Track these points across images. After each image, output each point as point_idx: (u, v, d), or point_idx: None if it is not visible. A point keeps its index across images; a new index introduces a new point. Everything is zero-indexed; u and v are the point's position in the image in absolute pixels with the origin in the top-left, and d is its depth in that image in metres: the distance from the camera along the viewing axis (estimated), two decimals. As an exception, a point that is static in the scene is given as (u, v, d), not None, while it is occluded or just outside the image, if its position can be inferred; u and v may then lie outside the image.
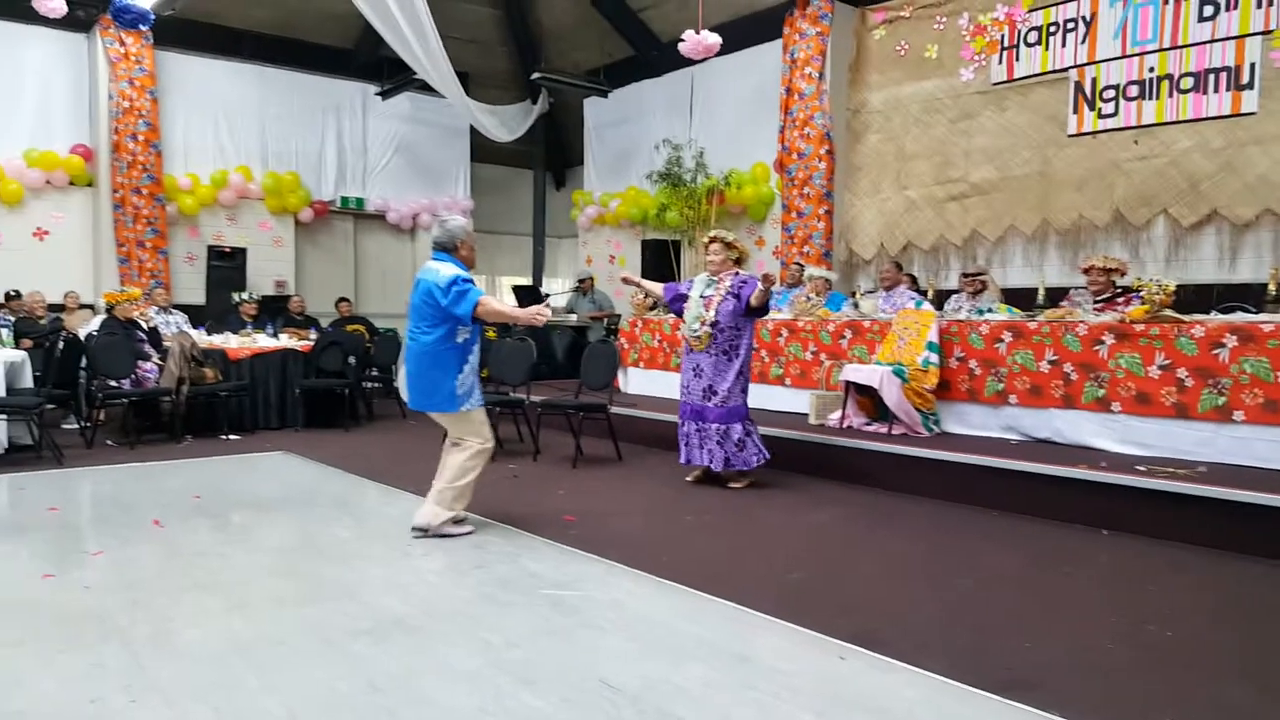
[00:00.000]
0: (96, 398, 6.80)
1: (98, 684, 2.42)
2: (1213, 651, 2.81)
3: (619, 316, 9.82)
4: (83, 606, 3.07)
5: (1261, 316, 4.78)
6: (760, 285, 4.99)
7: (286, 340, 8.21)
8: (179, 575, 3.46)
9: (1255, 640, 2.92)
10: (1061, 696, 2.41)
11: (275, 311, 9.79)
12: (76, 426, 7.09)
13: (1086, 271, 5.76)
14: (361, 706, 2.30)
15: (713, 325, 5.13)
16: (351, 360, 8.13)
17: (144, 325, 7.63)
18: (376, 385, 9.30)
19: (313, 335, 8.68)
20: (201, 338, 7.79)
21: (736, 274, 5.20)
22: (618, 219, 11.66)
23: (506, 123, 11.65)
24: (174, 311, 8.64)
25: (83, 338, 7.04)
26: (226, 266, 10.20)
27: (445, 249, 4.14)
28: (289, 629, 2.86)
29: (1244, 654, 2.79)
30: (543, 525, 4.29)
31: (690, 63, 9.07)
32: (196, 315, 9.24)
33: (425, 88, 10.61)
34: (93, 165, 9.74)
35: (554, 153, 13.87)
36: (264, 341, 8.03)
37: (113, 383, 6.93)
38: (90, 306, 9.30)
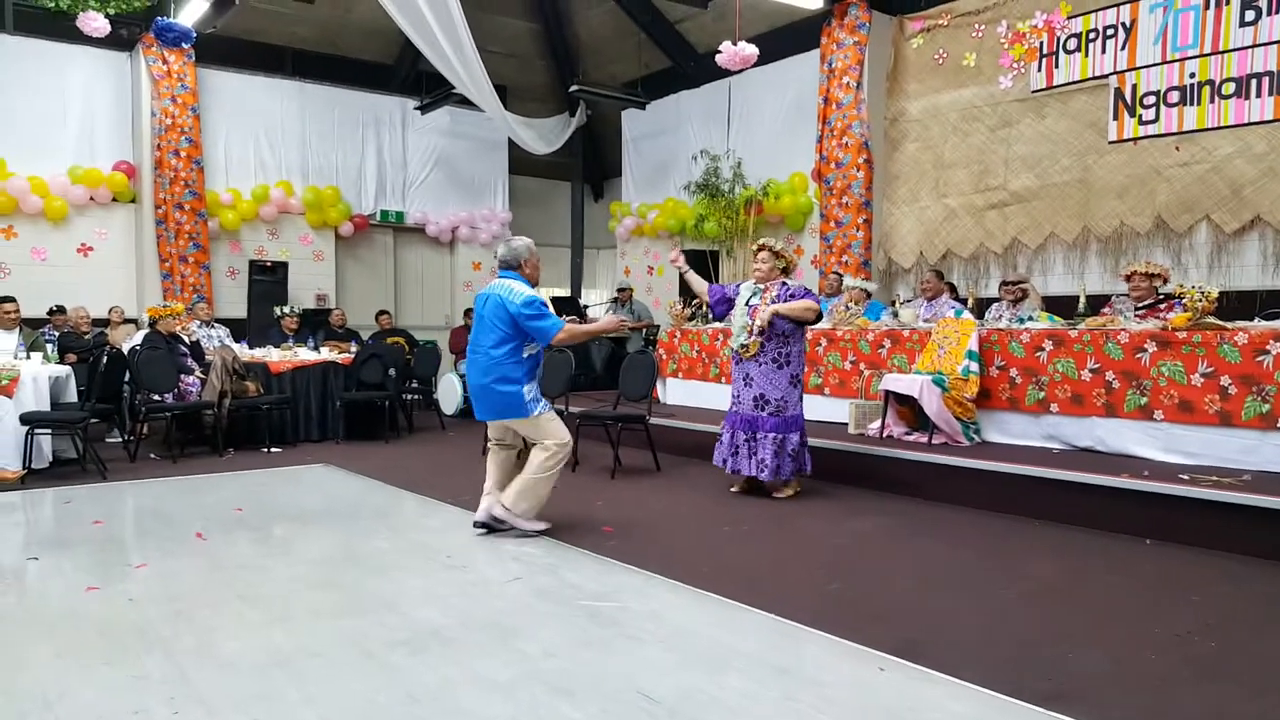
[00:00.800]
0: (140, 411, 6.95)
1: (141, 695, 2.46)
2: (1258, 663, 2.75)
3: (657, 327, 9.84)
4: (126, 619, 3.13)
5: (1309, 323, 4.68)
6: (788, 286, 4.98)
7: (327, 353, 8.34)
8: (221, 587, 3.53)
9: (1308, 656, 2.84)
10: (1104, 709, 2.38)
11: (316, 325, 9.96)
12: (120, 440, 7.25)
13: (1129, 278, 5.67)
14: (399, 717, 2.33)
15: (760, 334, 5.11)
16: (392, 373, 8.23)
17: (186, 340, 7.79)
18: (416, 397, 9.40)
19: (353, 348, 8.80)
20: (243, 351, 7.95)
21: (784, 284, 5.18)
22: (656, 230, 11.70)
23: (544, 135, 11.75)
24: (216, 326, 8.83)
25: (126, 352, 7.20)
26: (268, 280, 10.40)
27: (511, 266, 4.38)
28: (328, 640, 2.90)
29: (1294, 669, 2.72)
30: (581, 536, 4.31)
31: (727, 73, 9.10)
32: (238, 329, 9.44)
33: (464, 102, 10.75)
34: (135, 182, 9.98)
35: (592, 165, 13.96)
36: (305, 355, 8.16)
37: (156, 397, 7.07)
38: (134, 321, 9.52)
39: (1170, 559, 3.96)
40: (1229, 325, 4.77)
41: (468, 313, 11.23)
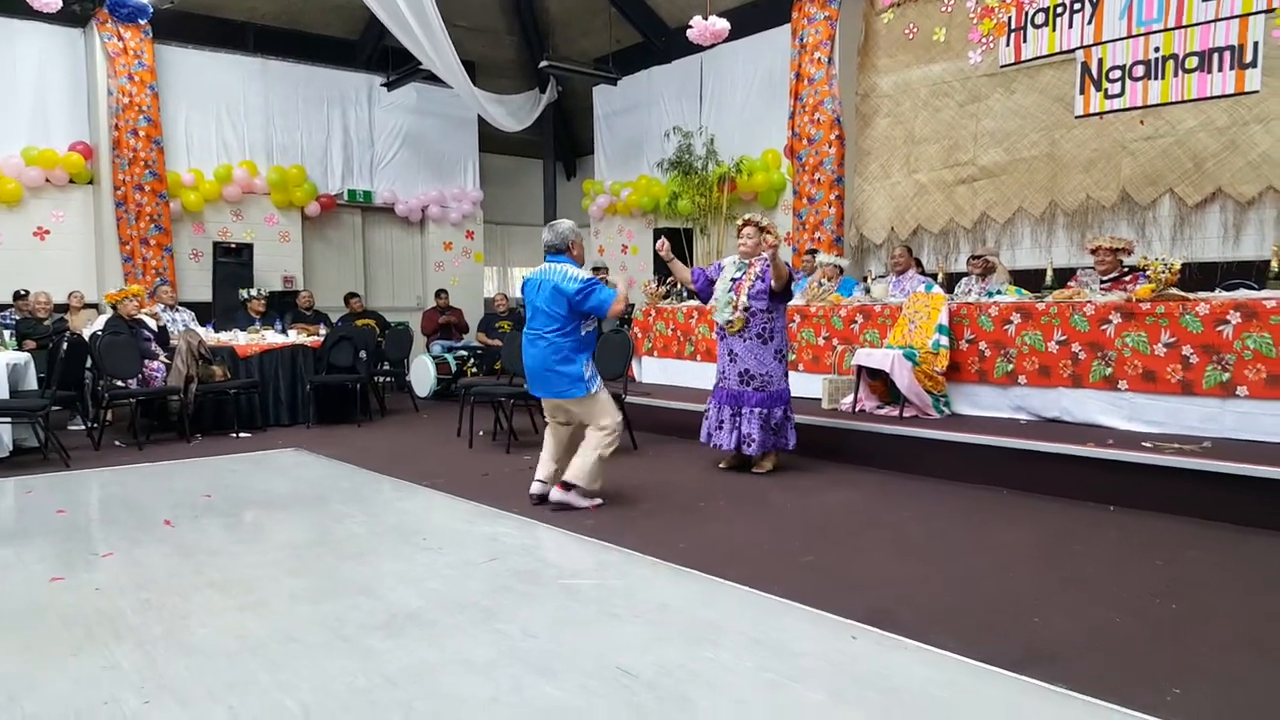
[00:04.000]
0: (103, 398, 6.79)
1: (111, 685, 2.43)
2: (1220, 623, 2.83)
3: (632, 306, 9.84)
4: (94, 608, 3.08)
5: (1264, 293, 4.82)
6: (767, 259, 4.99)
7: (296, 336, 8.24)
8: (191, 574, 3.48)
9: (1261, 611, 2.94)
10: (1072, 671, 2.44)
11: (284, 307, 9.84)
12: (83, 428, 7.13)
13: (1094, 252, 5.76)
14: (377, 701, 2.32)
15: (745, 310, 5.13)
16: (362, 355, 8.16)
17: (150, 324, 7.66)
18: (388, 380, 9.34)
19: (322, 330, 8.71)
20: (209, 335, 7.83)
21: (766, 259, 5.19)
22: (629, 208, 11.65)
23: (515, 112, 11.64)
24: (180, 309, 8.68)
25: (87, 338, 7.06)
26: (233, 263, 10.24)
27: (559, 250, 4.47)
28: (303, 625, 2.89)
29: (1250, 625, 2.81)
30: (559, 515, 4.31)
31: (699, 49, 9.06)
32: (204, 312, 9.30)
33: (432, 78, 10.62)
34: (93, 163, 9.76)
35: (564, 142, 13.86)
36: (273, 338, 8.06)
37: (119, 383, 6.94)
38: (95, 306, 9.34)
39: (1134, 525, 4.06)
40: (1191, 296, 4.88)
41: (439, 294, 11.17)
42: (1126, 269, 5.67)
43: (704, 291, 5.49)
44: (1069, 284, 5.85)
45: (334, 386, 7.95)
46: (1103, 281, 5.68)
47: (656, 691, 2.33)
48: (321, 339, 8.19)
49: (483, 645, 2.68)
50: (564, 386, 4.40)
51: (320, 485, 5.32)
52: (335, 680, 2.45)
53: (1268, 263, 5.28)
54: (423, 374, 9.73)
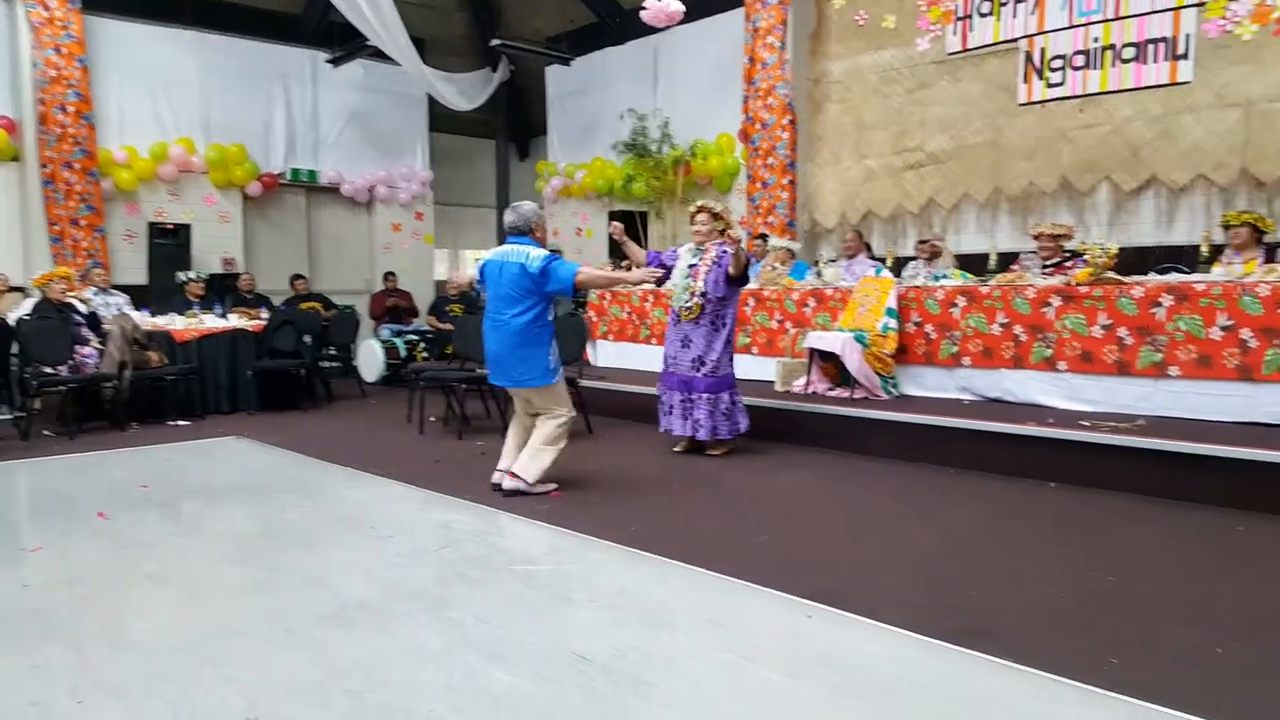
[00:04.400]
0: (31, 385, 6.49)
1: (40, 686, 2.33)
2: (1153, 595, 2.93)
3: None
4: (21, 606, 2.96)
5: (1194, 276, 4.99)
6: (729, 249, 5.00)
7: (236, 320, 8.04)
8: (127, 568, 3.37)
9: (1192, 582, 3.05)
10: (1014, 643, 2.50)
11: (224, 290, 9.57)
12: (9, 417, 6.84)
13: (1037, 238, 5.92)
14: (326, 692, 2.28)
15: (702, 296, 5.14)
16: (307, 339, 7.98)
17: (81, 308, 7.37)
18: (335, 365, 9.16)
19: (264, 314, 8.50)
20: (144, 319, 7.57)
21: (722, 245, 5.20)
22: (584, 190, 11.55)
23: (465, 91, 11.43)
24: (114, 292, 8.36)
25: (12, 322, 6.77)
26: (169, 244, 9.91)
27: (521, 231, 4.38)
28: (248, 618, 2.82)
29: (1181, 596, 2.92)
30: (511, 501, 4.28)
31: (653, 30, 8.98)
32: (139, 296, 8.95)
33: (379, 55, 10.37)
34: (17, 138, 9.29)
35: (516, 122, 13.67)
36: (212, 322, 7.85)
37: (48, 369, 6.65)
38: (21, 289, 8.95)
39: (1073, 501, 4.19)
40: (1126, 280, 5.03)
41: (388, 276, 10.97)
42: (1067, 254, 5.82)
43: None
44: (1011, 268, 5.99)
45: (277, 372, 7.77)
46: (1045, 266, 5.83)
47: (612, 675, 2.33)
48: (264, 323, 7.99)
49: (434, 633, 2.65)
50: (528, 374, 4.35)
51: (264, 474, 5.21)
52: (282, 673, 2.40)
53: (1198, 248, 5.47)
54: (371, 359, 9.57)
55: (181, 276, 8.78)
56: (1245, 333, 4.50)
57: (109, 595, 3.05)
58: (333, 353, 9.03)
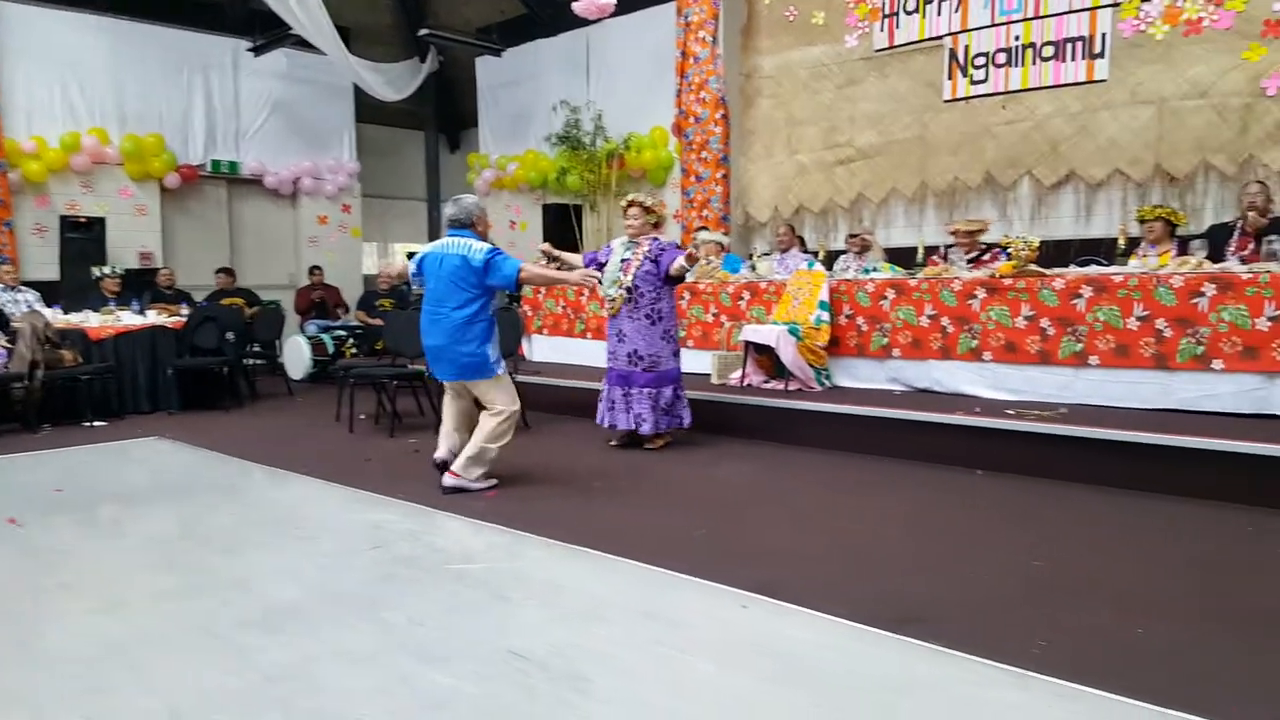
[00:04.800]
0: (-66, 387, 6.19)
1: (-51, 699, 2.21)
2: (1076, 579, 3.02)
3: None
4: (-73, 617, 2.80)
5: (1112, 269, 5.15)
6: (682, 260, 5.03)
7: (155, 317, 7.74)
8: (40, 575, 3.22)
9: (1116, 566, 3.15)
10: (946, 628, 2.56)
11: (141, 286, 9.19)
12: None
13: (954, 234, 6.10)
14: (252, 700, 2.21)
15: (630, 290, 5.14)
16: (230, 336, 7.72)
17: (-12, 306, 7.03)
18: (260, 362, 8.90)
19: (184, 311, 8.21)
20: (57, 316, 7.24)
21: (655, 239, 5.21)
22: (516, 183, 11.43)
23: (393, 81, 11.20)
24: (23, 289, 7.97)
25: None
26: (83, 238, 9.48)
27: (464, 225, 4.32)
28: (169, 625, 2.71)
29: (1103, 579, 3.01)
30: (446, 499, 4.21)
31: (585, 22, 8.93)
32: (50, 292, 8.54)
33: (303, 44, 10.06)
34: (-83, 128, 8.83)
35: (446, 113, 13.43)
36: (129, 319, 7.53)
37: (-47, 369, 6.35)
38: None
39: (1001, 488, 4.30)
40: (1048, 272, 5.18)
41: (313, 270, 10.69)
42: (984, 246, 6.02)
43: None
44: (931, 259, 6.15)
45: (199, 370, 7.52)
46: (969, 260, 5.99)
47: (550, 673, 2.31)
48: (184, 319, 7.72)
49: (366, 636, 2.59)
50: (470, 368, 4.30)
51: (185, 475, 5.03)
52: (206, 681, 2.31)
53: (1116, 241, 5.71)
54: (297, 355, 9.32)
55: (96, 272, 8.41)
56: (1160, 323, 4.67)
57: (20, 604, 2.90)
58: (257, 350, 8.77)
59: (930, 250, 6.53)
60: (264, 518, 4.07)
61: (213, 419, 7.01)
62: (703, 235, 7.80)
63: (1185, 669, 2.31)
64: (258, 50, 10.92)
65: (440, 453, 4.46)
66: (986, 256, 6.04)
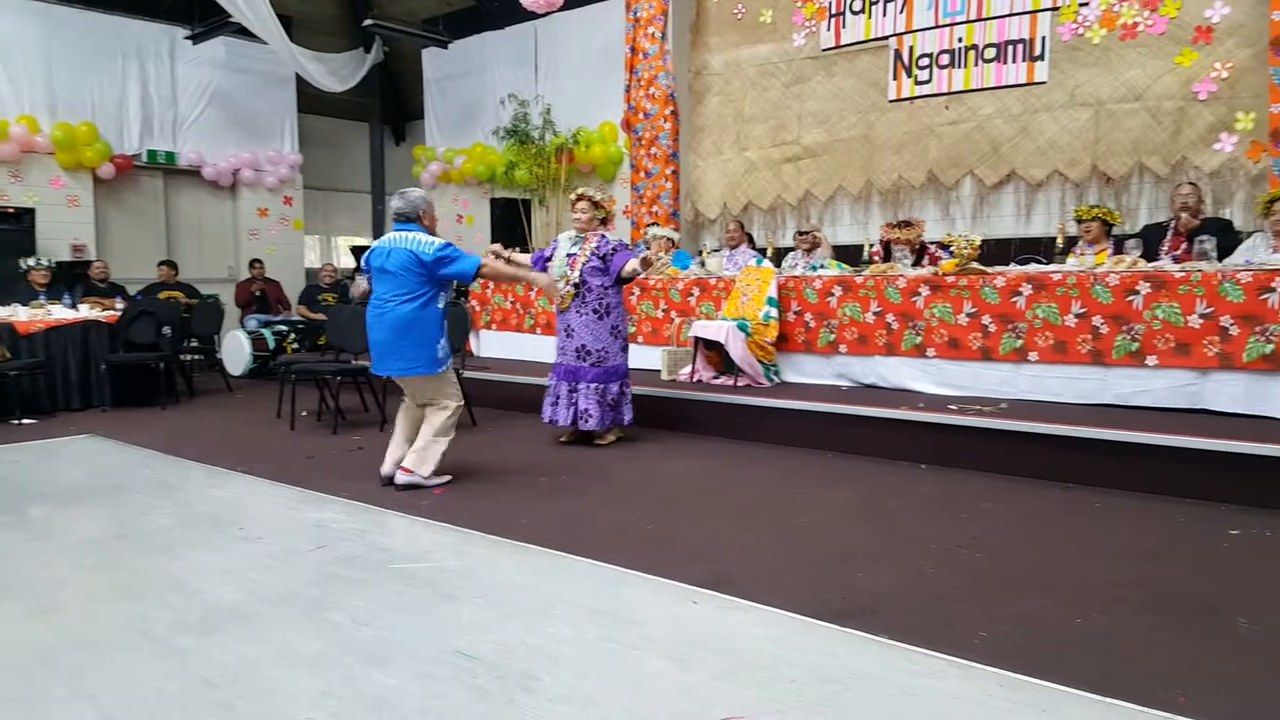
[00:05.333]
0: None
1: None
2: (1018, 570, 3.09)
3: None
4: None
5: (1051, 267, 5.29)
6: (636, 264, 5.03)
7: (87, 311, 7.48)
8: (-34, 578, 3.10)
9: (1053, 556, 3.23)
10: (891, 620, 2.60)
11: (73, 279, 8.90)
12: None
13: (887, 234, 6.27)
14: (192, 704, 2.15)
15: (577, 285, 5.12)
16: (166, 331, 7.51)
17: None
18: (198, 358, 8.67)
19: (119, 304, 7.96)
20: (-17, 310, 6.98)
21: (603, 236, 5.19)
22: (463, 176, 11.30)
23: (336, 72, 10.98)
24: (-52, 282, 7.68)
25: None
26: (11, 230, 9.12)
27: (409, 219, 4.27)
28: (104, 629, 2.63)
29: (1044, 569, 3.09)
30: (392, 498, 4.15)
31: (534, 16, 8.87)
32: (-24, 286, 8.25)
33: (243, 32, 9.81)
34: None
35: (391, 105, 13.23)
36: (60, 313, 7.28)
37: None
38: None
39: (943, 481, 4.39)
40: (989, 270, 5.29)
41: (254, 264, 10.45)
42: (920, 244, 6.23)
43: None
44: (874, 253, 6.27)
45: (134, 366, 7.29)
46: (916, 262, 6.13)
47: (498, 672, 2.29)
48: (118, 313, 7.48)
49: (309, 637, 2.54)
50: (415, 362, 4.24)
51: (120, 474, 4.87)
52: (143, 686, 2.24)
53: (1054, 240, 5.85)
54: (236, 351, 9.09)
55: (25, 264, 8.12)
56: (1097, 320, 4.80)
57: (-60, 613, 2.78)
58: (195, 345, 8.55)
59: (884, 250, 6.63)
60: (203, 517, 3.96)
61: (149, 416, 6.81)
62: (653, 231, 7.81)
63: (1123, 658, 2.37)
64: (196, 38, 10.61)
65: (387, 467, 4.41)
66: (925, 260, 6.19)
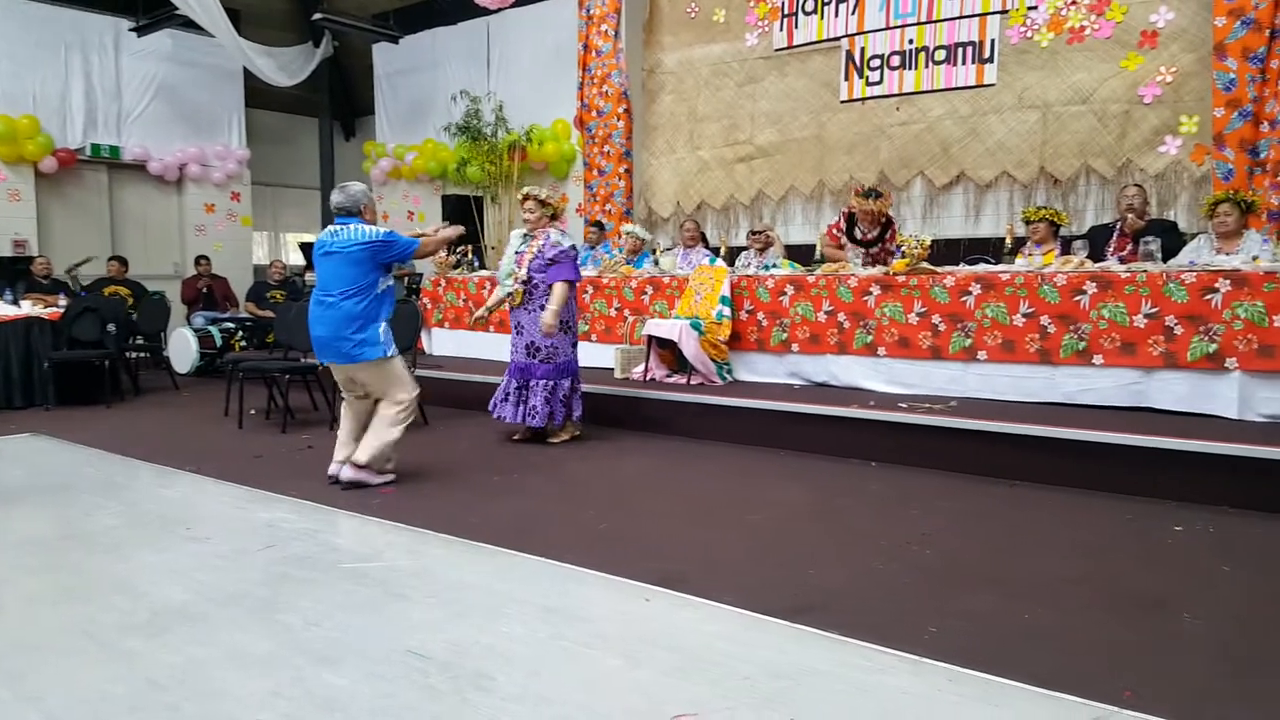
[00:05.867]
0: None
1: None
2: (966, 566, 3.16)
3: (420, 275, 9.49)
4: None
5: (999, 267, 5.38)
6: (563, 289, 5.05)
7: (29, 307, 7.29)
8: (-95, 581, 3.01)
9: (1001, 553, 3.30)
10: (842, 616, 2.64)
11: (15, 275, 8.65)
12: None
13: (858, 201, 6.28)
14: (139, 706, 2.12)
15: (525, 282, 5.14)
16: (111, 328, 7.34)
17: None
18: (143, 355, 8.48)
19: (62, 301, 7.76)
20: (-81, 307, 6.76)
21: (549, 235, 5.20)
22: (415, 173, 11.19)
23: (285, 66, 10.81)
24: (-119, 278, 7.42)
25: None
26: (-53, 224, 8.86)
27: (350, 212, 4.25)
28: (48, 631, 2.58)
29: (990, 565, 3.16)
30: (342, 497, 4.11)
31: (485, 12, 8.82)
32: (-88, 282, 7.98)
33: (189, 24, 9.62)
34: None
35: (341, 101, 13.05)
36: (1, 309, 7.09)
37: None
38: None
39: (893, 479, 4.46)
40: (939, 270, 5.38)
41: (200, 260, 10.25)
42: (885, 218, 6.29)
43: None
44: (833, 229, 6.37)
45: (78, 364, 7.12)
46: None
47: (451, 672, 2.29)
48: (61, 310, 7.29)
49: (259, 638, 2.51)
50: (357, 350, 4.18)
51: (64, 473, 4.76)
52: (88, 689, 2.21)
53: (1003, 240, 5.97)
54: (183, 348, 8.91)
55: (-41, 260, 7.88)
56: (1045, 319, 4.88)
57: (-128, 620, 2.70)
58: (140, 343, 8.37)
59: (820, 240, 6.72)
60: (149, 516, 3.88)
61: (93, 415, 6.65)
62: (626, 228, 7.85)
63: (1070, 652, 2.41)
64: (141, 30, 10.38)
65: (334, 466, 4.37)
66: (889, 236, 6.22)
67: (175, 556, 3.29)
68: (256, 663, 2.35)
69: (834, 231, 6.31)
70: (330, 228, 4.28)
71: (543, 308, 5.15)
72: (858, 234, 6.31)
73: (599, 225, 8.30)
